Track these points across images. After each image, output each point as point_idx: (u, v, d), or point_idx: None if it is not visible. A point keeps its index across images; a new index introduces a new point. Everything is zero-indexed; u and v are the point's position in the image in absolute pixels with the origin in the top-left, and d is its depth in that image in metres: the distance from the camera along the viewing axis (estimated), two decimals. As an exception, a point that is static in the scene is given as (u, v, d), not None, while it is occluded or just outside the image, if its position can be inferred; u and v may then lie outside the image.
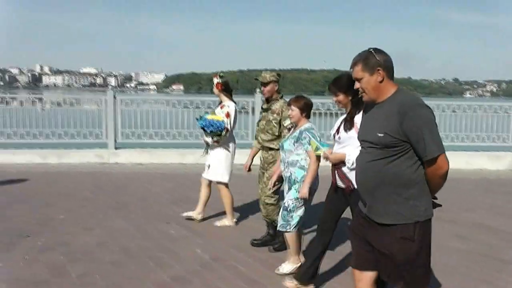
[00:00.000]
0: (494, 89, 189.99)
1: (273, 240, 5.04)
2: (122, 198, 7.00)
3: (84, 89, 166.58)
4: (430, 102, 11.10)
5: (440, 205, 2.80)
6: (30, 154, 9.94)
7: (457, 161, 10.59)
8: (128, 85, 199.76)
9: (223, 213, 5.87)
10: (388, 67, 2.67)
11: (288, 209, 4.17)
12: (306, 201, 4.15)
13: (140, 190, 7.61)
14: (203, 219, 5.90)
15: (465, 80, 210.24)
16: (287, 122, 4.66)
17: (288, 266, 4.32)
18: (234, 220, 5.85)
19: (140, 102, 11.07)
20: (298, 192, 4.11)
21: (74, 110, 10.77)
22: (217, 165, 5.69)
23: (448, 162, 2.58)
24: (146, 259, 4.57)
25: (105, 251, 4.76)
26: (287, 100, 4.48)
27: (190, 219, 5.86)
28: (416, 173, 2.59)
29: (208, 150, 5.79)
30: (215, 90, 5.75)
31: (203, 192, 5.85)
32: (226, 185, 5.74)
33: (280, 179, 4.51)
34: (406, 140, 2.54)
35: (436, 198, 2.78)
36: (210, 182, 5.80)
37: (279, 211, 4.77)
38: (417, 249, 2.63)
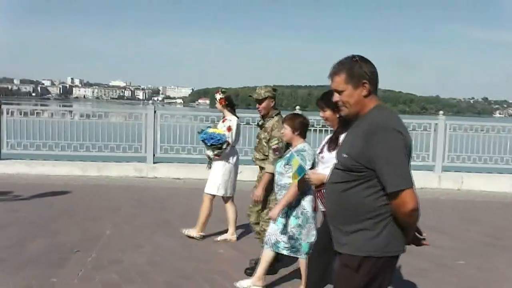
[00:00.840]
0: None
1: (273, 266, 4.62)
2: (165, 214, 6.93)
3: (112, 101, 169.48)
4: (467, 122, 10.99)
5: (423, 239, 2.47)
6: (71, 166, 10.01)
7: (502, 185, 10.30)
8: (155, 98, 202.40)
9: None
10: (374, 80, 2.38)
11: (295, 238, 4.00)
12: (310, 226, 3.98)
13: (182, 206, 7.54)
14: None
15: (495, 99, 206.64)
16: (273, 142, 4.43)
17: None
18: (201, 234, 5.73)
19: (180, 117, 11.09)
20: (297, 218, 3.96)
21: (115, 123, 10.80)
22: (216, 178, 5.65)
23: (416, 199, 2.22)
24: (200, 280, 4.45)
25: (158, 271, 4.66)
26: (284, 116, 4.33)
27: (225, 240, 5.73)
28: (378, 203, 2.27)
29: (211, 165, 5.76)
30: (218, 105, 5.74)
31: (229, 211, 5.78)
32: (213, 198, 5.69)
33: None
34: (369, 167, 2.24)
35: (421, 234, 2.48)
36: (229, 198, 5.76)
37: None
38: (359, 284, 2.31)
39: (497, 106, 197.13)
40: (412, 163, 8.64)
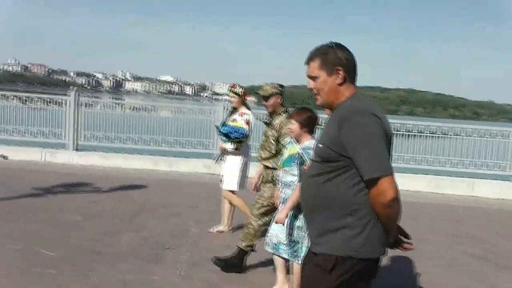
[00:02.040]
0: None
1: (238, 266, 4.54)
2: (243, 214, 6.87)
3: (161, 95, 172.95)
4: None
5: (409, 243, 2.29)
6: (143, 160, 10.16)
7: None
8: (202, 94, 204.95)
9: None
10: (350, 68, 2.25)
11: (295, 240, 3.77)
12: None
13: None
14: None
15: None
16: (286, 140, 4.22)
17: None
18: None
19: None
20: (297, 219, 3.72)
21: (184, 119, 10.90)
22: (232, 173, 5.60)
23: (396, 188, 2.03)
24: (300, 286, 4.35)
25: (255, 274, 4.61)
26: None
27: (221, 232, 5.85)
28: (357, 197, 2.09)
29: (222, 159, 5.74)
30: (238, 100, 5.65)
31: (227, 204, 5.85)
32: (233, 192, 5.68)
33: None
34: (345, 154, 2.08)
35: (407, 236, 2.28)
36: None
37: (252, 238, 4.47)
38: (330, 287, 2.11)
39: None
40: (489, 172, 8.22)
